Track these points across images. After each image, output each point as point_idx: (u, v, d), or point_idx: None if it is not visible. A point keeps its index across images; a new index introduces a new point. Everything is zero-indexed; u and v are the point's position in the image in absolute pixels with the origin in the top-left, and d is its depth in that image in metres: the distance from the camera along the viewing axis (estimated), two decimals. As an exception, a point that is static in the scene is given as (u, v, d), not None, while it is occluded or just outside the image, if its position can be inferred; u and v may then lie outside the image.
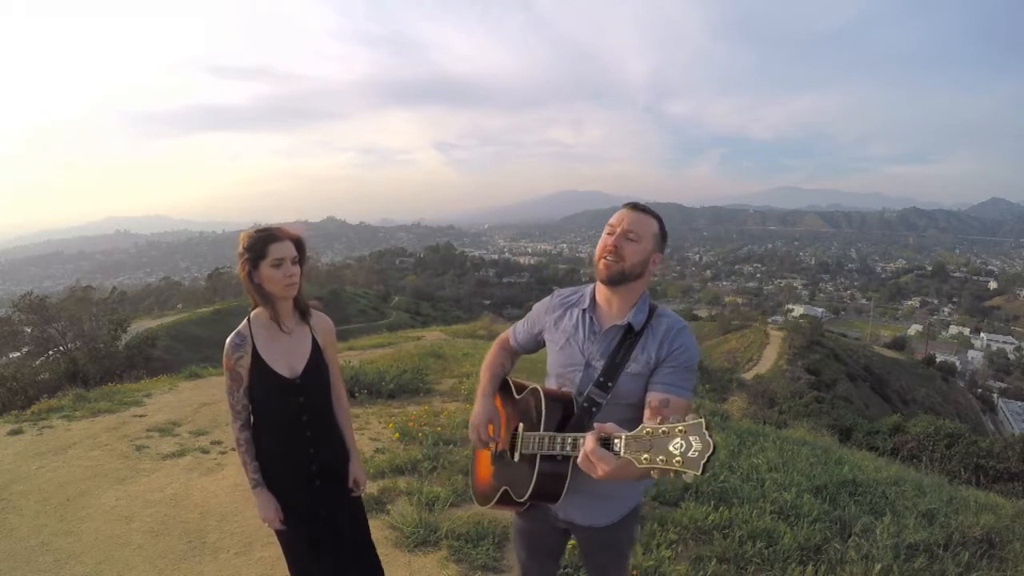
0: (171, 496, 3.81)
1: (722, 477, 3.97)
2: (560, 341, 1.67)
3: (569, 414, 1.56)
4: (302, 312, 1.97)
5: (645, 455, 1.08)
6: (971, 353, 65.78)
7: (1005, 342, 70.13)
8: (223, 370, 1.89)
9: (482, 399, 1.74)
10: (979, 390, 48.47)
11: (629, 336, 1.57)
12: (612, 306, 1.62)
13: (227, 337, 1.88)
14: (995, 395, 47.34)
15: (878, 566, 2.85)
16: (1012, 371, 58.30)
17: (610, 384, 1.54)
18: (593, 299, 1.66)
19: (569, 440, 1.39)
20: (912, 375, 40.80)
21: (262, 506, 1.91)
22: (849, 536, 3.25)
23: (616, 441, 1.14)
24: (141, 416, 5.62)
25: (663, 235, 1.60)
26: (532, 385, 1.66)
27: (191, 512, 3.58)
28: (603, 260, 1.55)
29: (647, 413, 1.48)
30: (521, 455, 1.60)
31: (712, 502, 3.52)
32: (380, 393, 6.32)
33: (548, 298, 1.80)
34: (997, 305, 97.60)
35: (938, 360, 49.84)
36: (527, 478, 1.53)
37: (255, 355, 1.88)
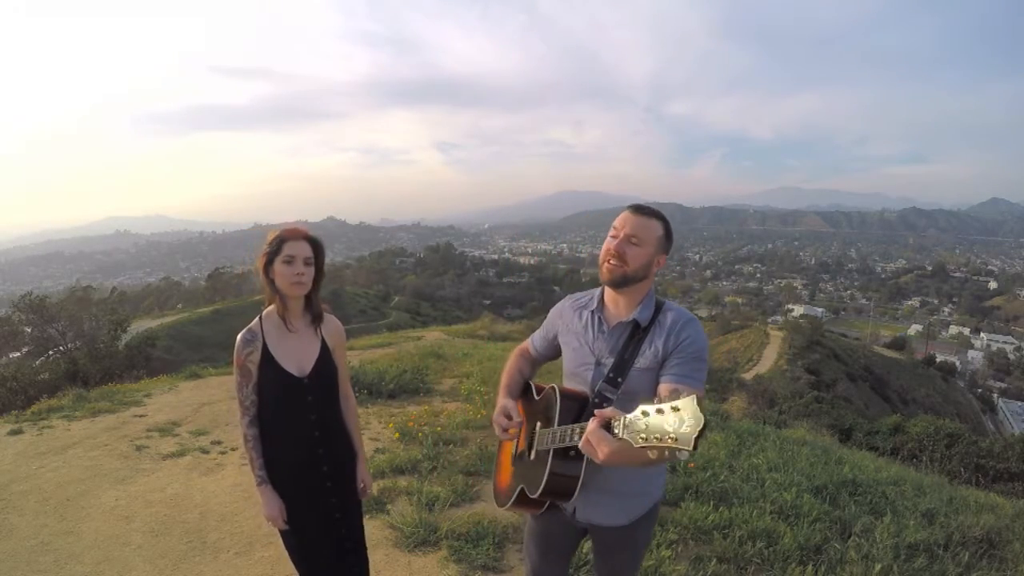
0: (171, 496, 3.81)
1: (722, 477, 3.96)
2: (572, 343, 1.71)
3: (583, 411, 1.58)
4: (314, 316, 1.98)
5: (642, 435, 1.10)
6: (971, 353, 65.75)
7: (1005, 342, 70.09)
8: (233, 366, 1.91)
9: (501, 397, 1.76)
10: (979, 390, 48.46)
11: (637, 332, 1.59)
12: (619, 305, 1.64)
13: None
14: (995, 395, 47.32)
15: (878, 566, 2.85)
16: (1012, 371, 58.29)
17: (620, 380, 1.56)
18: (601, 300, 1.69)
19: (576, 430, 1.40)
20: (912, 375, 40.79)
21: (267, 504, 1.91)
22: (849, 536, 3.25)
23: (615, 423, 1.17)
24: (141, 416, 5.62)
25: (668, 237, 1.61)
26: (551, 385, 1.69)
27: (191, 512, 3.58)
28: (607, 264, 1.58)
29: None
30: (536, 452, 1.62)
31: (712, 502, 3.52)
32: (380, 393, 6.32)
33: (561, 302, 1.83)
34: (997, 305, 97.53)
35: (938, 360, 49.81)
36: (540, 474, 1.55)
37: (265, 352, 1.90)
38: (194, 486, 3.97)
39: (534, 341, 1.89)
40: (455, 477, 3.91)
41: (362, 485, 2.10)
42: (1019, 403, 43.28)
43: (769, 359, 33.46)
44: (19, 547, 3.14)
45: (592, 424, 1.21)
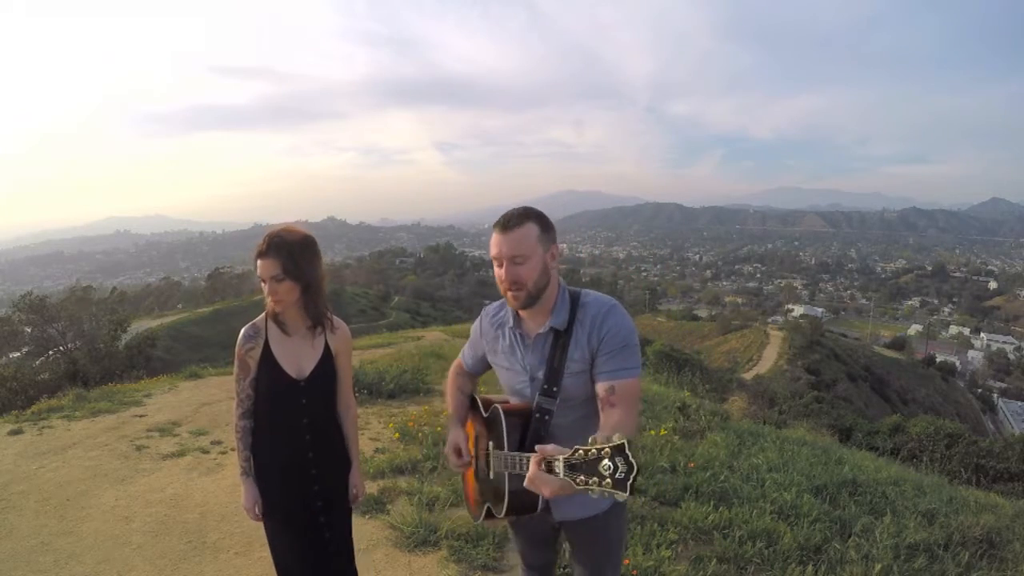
0: (171, 496, 3.81)
1: (722, 477, 3.96)
2: (503, 363, 1.68)
3: (527, 427, 1.57)
4: (312, 323, 1.93)
5: (581, 476, 1.10)
6: (971, 353, 65.72)
7: (1005, 342, 70.05)
8: (234, 358, 1.92)
9: (451, 427, 1.75)
10: (979, 390, 48.43)
11: (560, 338, 1.56)
12: (533, 317, 1.61)
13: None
14: (995, 395, 47.29)
15: (878, 566, 2.85)
16: (1012, 371, 58.23)
17: (555, 389, 1.55)
18: (516, 315, 1.64)
19: (524, 461, 1.38)
20: (912, 375, 40.78)
21: (245, 495, 1.95)
22: (849, 536, 3.24)
23: (555, 463, 1.17)
24: (141, 416, 5.62)
25: (545, 228, 1.53)
26: (496, 403, 1.65)
27: (191, 512, 3.58)
28: (509, 293, 1.54)
29: (599, 405, 1.50)
30: (495, 474, 1.61)
31: (712, 502, 3.52)
32: (380, 393, 6.33)
33: (480, 319, 1.78)
34: (997, 305, 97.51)
35: (938, 360, 49.80)
36: (501, 496, 1.56)
37: (266, 350, 1.89)
38: (194, 486, 3.98)
39: (465, 358, 1.85)
40: (455, 477, 3.91)
41: (354, 491, 2.07)
42: (1019, 403, 43.24)
43: (769, 359, 33.48)
44: (19, 547, 3.14)
45: (532, 468, 1.21)
